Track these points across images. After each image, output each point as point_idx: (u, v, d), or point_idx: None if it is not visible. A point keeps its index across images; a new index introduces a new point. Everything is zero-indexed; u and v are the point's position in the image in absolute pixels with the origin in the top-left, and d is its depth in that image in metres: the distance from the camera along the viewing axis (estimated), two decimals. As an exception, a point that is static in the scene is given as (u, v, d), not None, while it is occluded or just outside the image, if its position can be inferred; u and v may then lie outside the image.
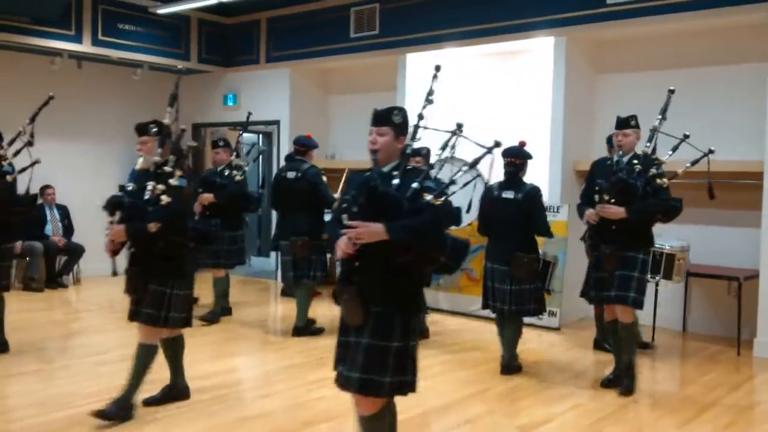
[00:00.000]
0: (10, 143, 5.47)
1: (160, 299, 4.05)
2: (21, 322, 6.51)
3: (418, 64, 8.34)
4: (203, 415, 4.22)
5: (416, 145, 3.26)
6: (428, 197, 2.89)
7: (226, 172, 6.89)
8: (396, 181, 2.94)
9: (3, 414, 4.02)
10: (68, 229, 8.95)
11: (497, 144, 3.26)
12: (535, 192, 5.17)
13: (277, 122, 9.56)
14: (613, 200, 4.67)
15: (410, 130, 3.13)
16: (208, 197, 6.73)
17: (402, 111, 3.11)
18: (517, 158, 5.20)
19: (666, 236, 5.87)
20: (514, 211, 5.09)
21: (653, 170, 4.69)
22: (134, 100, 9.70)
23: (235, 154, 7.10)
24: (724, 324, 6.54)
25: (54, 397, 4.48)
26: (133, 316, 4.12)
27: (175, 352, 4.38)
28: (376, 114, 3.10)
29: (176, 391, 4.40)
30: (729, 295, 6.30)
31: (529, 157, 5.29)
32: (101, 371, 5.08)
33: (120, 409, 3.99)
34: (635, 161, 4.73)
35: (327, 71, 9.77)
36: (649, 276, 5.06)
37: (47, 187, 8.69)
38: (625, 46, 7.33)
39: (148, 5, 8.99)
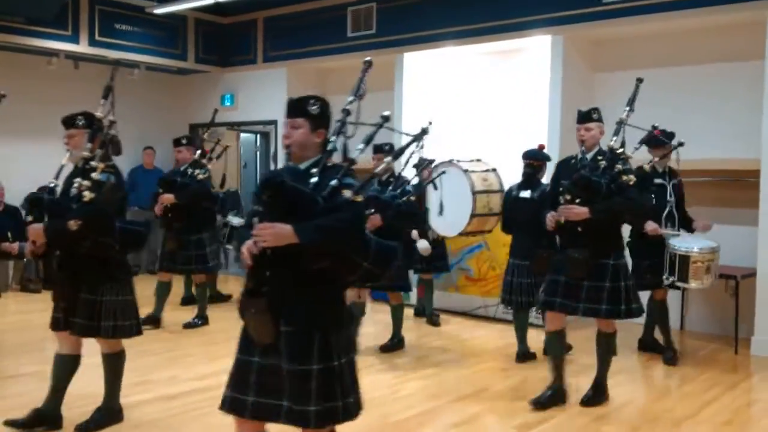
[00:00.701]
0: None
1: (91, 308, 3.72)
2: (19, 323, 6.51)
3: (415, 63, 8.33)
4: (199, 416, 4.22)
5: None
6: (347, 194, 2.59)
7: (189, 171, 6.58)
8: (314, 180, 2.63)
9: (2, 415, 4.01)
10: None
11: (424, 131, 3.24)
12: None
13: (274, 122, 9.56)
14: (578, 200, 4.31)
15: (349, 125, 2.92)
16: (168, 198, 6.41)
17: (320, 101, 2.81)
18: (535, 160, 5.55)
19: (692, 237, 5.63)
20: (531, 210, 5.23)
21: (619, 166, 4.33)
22: (131, 101, 9.69)
23: (199, 152, 6.74)
24: (721, 322, 6.54)
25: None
26: (62, 325, 3.79)
27: (113, 369, 3.98)
28: (289, 104, 2.79)
29: (107, 416, 3.99)
30: (726, 293, 6.30)
31: (548, 159, 5.67)
32: (99, 372, 5.04)
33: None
34: (599, 157, 4.40)
35: (324, 71, 9.76)
36: (667, 277, 5.22)
37: (45, 188, 8.67)
38: (622, 45, 7.33)
39: (145, 5, 8.98)
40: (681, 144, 4.96)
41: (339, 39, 8.90)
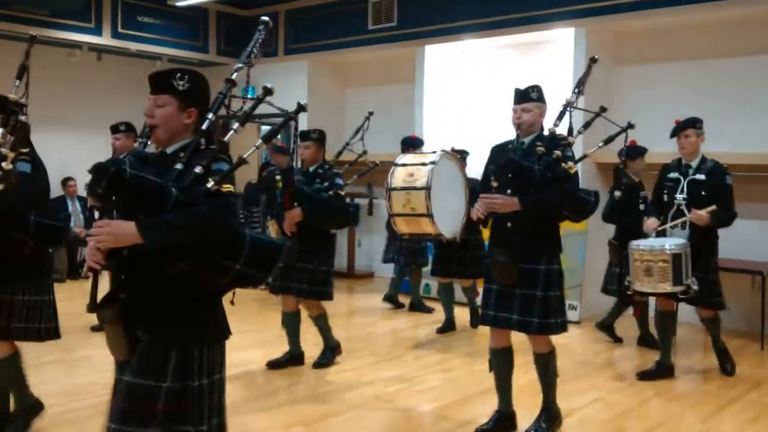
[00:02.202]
0: None
1: (5, 308, 3.42)
2: (61, 309, 6.56)
3: (436, 55, 8.30)
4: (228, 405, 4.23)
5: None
6: (210, 183, 2.17)
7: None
8: (179, 166, 2.24)
9: (53, 397, 4.05)
10: (89, 220, 9.02)
11: (301, 108, 2.71)
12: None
13: (288, 114, 9.56)
14: (509, 190, 3.70)
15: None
16: None
17: (190, 74, 2.36)
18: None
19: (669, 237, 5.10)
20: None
21: (558, 152, 3.64)
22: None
23: (140, 140, 6.43)
24: (747, 318, 6.46)
25: (76, 387, 4.53)
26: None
27: (12, 372, 3.63)
28: (150, 78, 2.37)
29: (25, 415, 3.73)
30: (753, 288, 6.22)
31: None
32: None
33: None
34: (539, 142, 3.73)
35: (345, 64, 9.76)
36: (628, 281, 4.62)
37: (69, 179, 8.77)
38: (644, 38, 7.26)
39: (167, -2, 9.03)
40: (631, 126, 4.45)
41: (360, 32, 8.89)
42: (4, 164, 3.18)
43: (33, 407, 3.77)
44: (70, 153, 7.22)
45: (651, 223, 4.92)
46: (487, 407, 4.03)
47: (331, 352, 5.25)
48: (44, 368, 4.97)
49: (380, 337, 6.21)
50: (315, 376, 4.99)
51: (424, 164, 5.08)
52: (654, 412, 4.39)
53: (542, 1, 7.29)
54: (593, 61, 4.11)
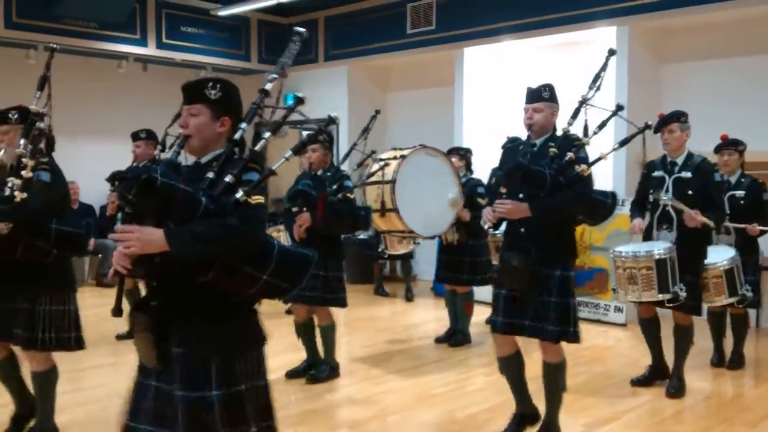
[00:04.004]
0: None
1: (30, 318, 3.42)
2: (95, 316, 6.71)
3: (475, 58, 8.29)
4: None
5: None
6: (239, 194, 2.16)
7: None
8: (210, 175, 2.24)
9: (81, 405, 4.17)
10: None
11: (332, 120, 2.72)
12: None
13: (319, 127, 9.65)
14: (521, 195, 3.58)
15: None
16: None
17: (222, 84, 2.36)
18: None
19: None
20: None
21: (571, 154, 3.51)
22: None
23: (160, 148, 6.05)
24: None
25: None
26: (12, 340, 3.49)
27: (44, 389, 3.62)
28: (184, 88, 2.38)
29: None
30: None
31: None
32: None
33: None
34: (551, 143, 3.60)
35: (384, 68, 9.81)
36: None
37: (111, 189, 8.99)
38: (689, 35, 7.14)
39: (210, 8, 9.20)
40: (648, 126, 4.16)
41: (399, 36, 8.93)
42: (24, 173, 3.25)
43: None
44: (117, 160, 7.38)
45: (637, 224, 4.69)
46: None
47: (330, 370, 4.98)
48: (96, 371, 5.10)
49: (422, 340, 6.21)
50: (358, 378, 5.03)
51: (395, 158, 5.05)
52: (701, 416, 4.31)
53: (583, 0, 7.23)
54: (611, 53, 3.95)
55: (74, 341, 3.60)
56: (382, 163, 5.04)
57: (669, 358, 4.80)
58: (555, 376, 3.66)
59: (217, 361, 2.23)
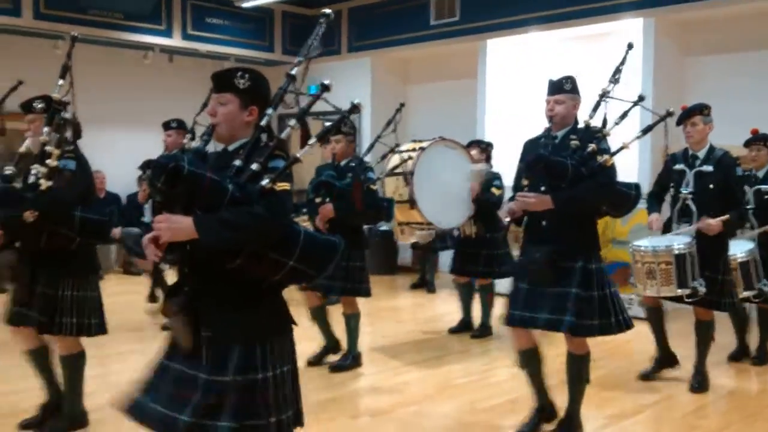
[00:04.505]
0: None
1: (52, 303, 3.47)
2: (120, 304, 6.84)
3: (499, 50, 8.26)
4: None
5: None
6: (265, 181, 2.20)
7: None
8: (237, 162, 2.27)
9: (107, 391, 4.24)
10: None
11: (355, 108, 2.69)
12: None
13: (342, 114, 9.67)
14: (542, 187, 3.55)
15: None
16: None
17: (252, 74, 2.40)
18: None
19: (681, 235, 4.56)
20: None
21: (593, 146, 3.49)
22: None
23: (190, 137, 6.07)
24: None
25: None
26: (19, 319, 3.53)
27: (72, 373, 3.68)
28: (213, 77, 2.43)
29: (70, 420, 3.72)
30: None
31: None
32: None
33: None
34: (572, 136, 3.58)
35: (407, 59, 9.80)
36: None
37: (143, 177, 9.10)
38: (715, 27, 7.06)
39: (233, -1, 9.26)
40: (670, 114, 4.05)
41: (422, 27, 8.92)
42: (49, 161, 3.30)
43: (78, 417, 3.76)
44: (143, 150, 7.48)
45: (654, 219, 4.65)
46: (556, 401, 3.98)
47: (353, 359, 5.01)
48: (122, 357, 5.19)
49: (444, 332, 6.22)
50: (380, 368, 5.06)
51: (414, 150, 5.07)
52: (727, 411, 4.29)
53: (608, -9, 7.18)
54: (630, 47, 3.92)
55: (95, 327, 3.65)
56: (404, 155, 5.07)
57: (687, 356, 4.77)
58: (578, 368, 3.64)
59: (240, 347, 2.26)
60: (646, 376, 4.80)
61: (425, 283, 8.35)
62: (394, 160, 5.15)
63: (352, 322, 5.01)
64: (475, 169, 5.24)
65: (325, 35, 2.68)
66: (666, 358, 4.84)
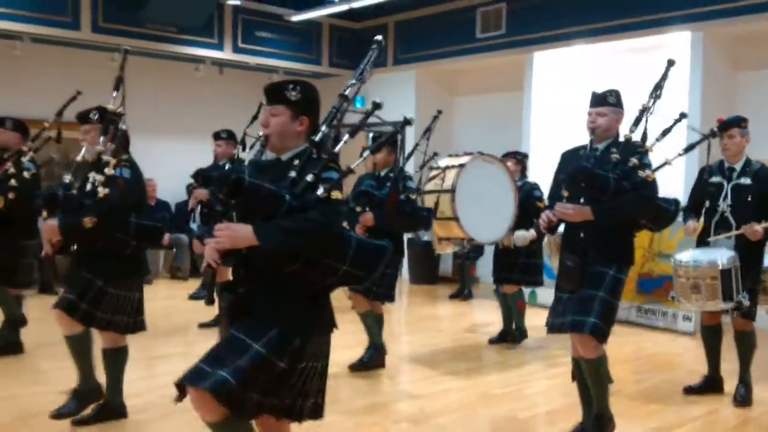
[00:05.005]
0: (34, 139, 5.06)
1: (98, 297, 3.67)
2: (168, 308, 7.05)
3: (545, 62, 8.26)
4: (334, 402, 4.41)
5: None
6: (320, 190, 2.32)
7: (227, 167, 6.12)
8: (292, 174, 2.39)
9: (155, 390, 4.36)
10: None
11: (407, 122, 2.77)
12: None
13: (395, 128, 9.76)
14: (581, 200, 3.55)
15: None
16: (201, 193, 6.03)
17: (302, 86, 2.51)
18: None
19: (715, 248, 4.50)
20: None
21: (635, 160, 3.52)
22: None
23: (240, 147, 6.23)
24: None
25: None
26: (66, 305, 3.69)
27: (114, 365, 3.85)
28: (266, 90, 2.54)
29: (110, 411, 3.88)
30: None
31: None
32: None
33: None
34: (613, 149, 3.57)
35: (452, 72, 9.86)
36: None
37: (193, 185, 9.34)
38: (766, 41, 6.93)
39: (283, 13, 9.45)
40: (714, 133, 4.12)
41: (468, 40, 8.97)
42: (107, 170, 3.51)
43: (117, 408, 3.90)
44: (193, 158, 7.70)
45: (691, 226, 4.61)
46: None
47: (373, 350, 5.13)
48: (168, 359, 5.32)
49: (483, 342, 6.22)
50: (420, 376, 5.10)
51: (453, 166, 5.12)
52: (766, 427, 4.21)
53: (657, 4, 7.12)
54: (670, 64, 3.91)
55: (132, 325, 3.82)
56: (438, 171, 5.16)
57: (727, 370, 4.71)
58: (597, 370, 3.61)
59: (278, 331, 2.38)
60: (691, 391, 4.73)
61: (464, 293, 8.39)
62: (433, 175, 5.23)
63: (368, 319, 5.13)
64: (520, 235, 5.42)
65: (380, 51, 2.80)
66: (715, 381, 4.76)
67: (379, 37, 2.84)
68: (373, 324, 5.16)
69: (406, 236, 5.40)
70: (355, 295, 5.07)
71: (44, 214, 3.66)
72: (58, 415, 3.82)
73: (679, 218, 4.70)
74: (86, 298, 3.65)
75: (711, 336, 4.73)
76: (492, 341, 6.14)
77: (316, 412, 2.55)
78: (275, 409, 2.45)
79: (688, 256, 4.45)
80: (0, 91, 8.18)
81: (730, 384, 4.65)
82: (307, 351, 2.44)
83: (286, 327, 2.41)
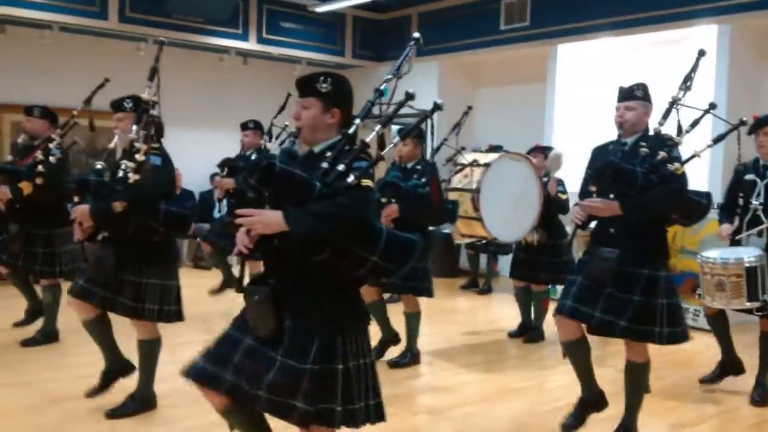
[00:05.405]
0: (62, 126, 5.12)
1: (136, 290, 3.71)
2: (190, 296, 7.07)
3: (569, 55, 8.20)
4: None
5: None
6: (350, 178, 2.32)
7: (254, 157, 6.18)
8: (324, 165, 2.39)
9: (177, 376, 4.44)
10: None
11: (437, 107, 2.81)
12: None
13: (424, 114, 9.75)
14: (611, 195, 3.52)
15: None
16: (228, 182, 6.14)
17: (334, 78, 2.53)
18: None
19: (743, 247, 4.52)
20: None
21: (664, 153, 3.46)
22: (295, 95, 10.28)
23: (266, 138, 6.43)
24: None
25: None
26: (81, 293, 3.75)
27: (147, 356, 3.92)
28: (297, 83, 2.57)
29: (140, 402, 3.95)
30: None
31: None
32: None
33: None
34: (642, 143, 3.54)
35: (475, 64, 9.82)
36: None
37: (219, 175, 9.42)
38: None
39: (308, 4, 9.48)
40: (743, 122, 4.02)
41: (491, 32, 8.93)
42: (138, 157, 3.56)
43: (149, 399, 3.98)
44: (218, 148, 7.78)
45: (725, 229, 4.56)
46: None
47: (411, 356, 5.11)
48: (191, 347, 5.38)
49: (503, 336, 6.24)
50: (439, 368, 5.13)
51: (479, 164, 5.14)
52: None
53: (683, -3, 7.05)
54: (701, 54, 3.85)
55: (174, 314, 3.89)
56: (464, 167, 5.15)
57: (749, 364, 4.69)
58: (638, 377, 3.61)
59: (321, 339, 2.39)
60: (708, 381, 4.75)
61: (476, 285, 8.39)
62: (459, 175, 5.26)
63: (413, 320, 5.10)
64: (554, 155, 5.36)
65: (395, 39, 2.82)
66: (731, 364, 4.77)
67: (417, 34, 2.86)
68: (415, 326, 5.10)
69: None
70: (367, 287, 4.98)
71: (75, 199, 3.72)
72: (91, 394, 3.93)
73: (713, 215, 4.67)
74: (111, 286, 3.69)
75: (716, 323, 4.77)
76: (511, 335, 6.15)
77: (379, 413, 2.52)
78: (324, 415, 2.40)
79: (715, 252, 4.43)
80: (29, 80, 8.30)
81: (750, 379, 4.62)
82: (349, 348, 2.44)
83: (326, 330, 2.40)
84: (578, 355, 3.72)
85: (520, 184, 5.36)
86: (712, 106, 3.95)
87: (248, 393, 2.41)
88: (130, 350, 3.99)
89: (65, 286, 4.66)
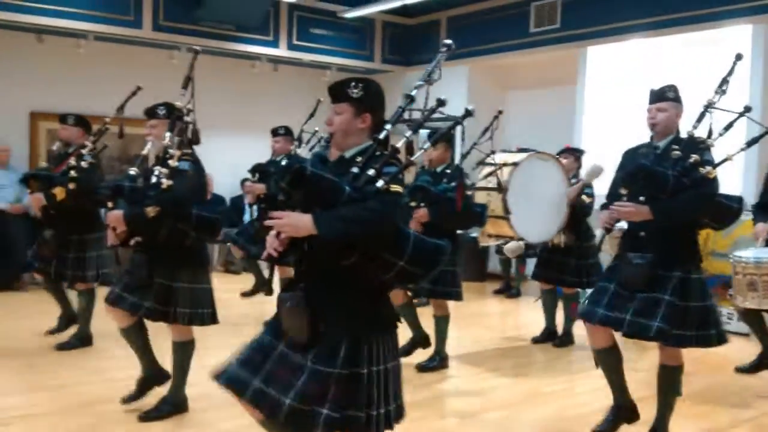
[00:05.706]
0: (95, 134, 5.18)
1: (167, 293, 3.76)
2: (221, 301, 7.17)
3: (599, 57, 8.14)
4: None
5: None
6: (379, 183, 2.34)
7: (284, 163, 6.16)
8: (355, 170, 2.40)
9: (207, 382, 4.51)
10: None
11: (468, 113, 2.78)
12: None
13: (455, 120, 9.74)
14: (641, 197, 3.48)
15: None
16: (259, 187, 6.22)
17: (365, 83, 2.55)
18: None
19: None
20: None
21: (696, 156, 3.41)
22: (326, 103, 10.34)
23: (297, 143, 6.50)
24: None
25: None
26: (115, 300, 3.83)
27: (181, 358, 3.96)
28: (330, 89, 2.59)
29: (173, 405, 4.00)
30: None
31: None
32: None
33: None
34: (675, 146, 3.51)
35: (505, 67, 9.79)
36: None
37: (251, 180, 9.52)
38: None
39: (337, 10, 9.54)
40: (748, 109, 3.92)
41: (521, 35, 8.90)
42: (171, 162, 3.61)
43: (181, 402, 4.01)
44: (249, 154, 7.87)
45: (760, 228, 4.52)
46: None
47: (440, 360, 5.11)
48: (219, 351, 5.45)
49: (530, 340, 6.20)
50: (467, 372, 5.12)
51: (507, 164, 5.11)
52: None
53: (716, -3, 6.95)
54: (738, 58, 3.81)
55: (208, 316, 3.93)
56: (492, 168, 5.14)
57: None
58: (671, 380, 3.60)
59: (349, 342, 2.39)
60: (744, 370, 4.79)
61: (509, 288, 8.38)
62: (486, 172, 5.23)
63: (442, 324, 5.10)
64: (594, 167, 5.29)
65: (424, 43, 2.84)
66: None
67: (448, 41, 2.86)
68: (444, 330, 5.11)
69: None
70: (435, 300, 5.07)
71: (109, 204, 3.80)
72: (127, 400, 4.01)
73: (745, 217, 4.63)
74: (142, 290, 3.75)
75: (751, 317, 4.81)
76: (535, 340, 6.09)
77: (400, 414, 2.55)
78: (349, 421, 2.40)
79: (748, 252, 4.39)
80: (64, 88, 8.50)
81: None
82: (375, 352, 2.44)
83: (355, 334, 2.41)
84: (610, 362, 3.70)
85: (548, 184, 5.33)
86: (747, 109, 3.92)
87: (274, 400, 2.41)
88: (166, 351, 4.06)
89: (100, 291, 4.77)
